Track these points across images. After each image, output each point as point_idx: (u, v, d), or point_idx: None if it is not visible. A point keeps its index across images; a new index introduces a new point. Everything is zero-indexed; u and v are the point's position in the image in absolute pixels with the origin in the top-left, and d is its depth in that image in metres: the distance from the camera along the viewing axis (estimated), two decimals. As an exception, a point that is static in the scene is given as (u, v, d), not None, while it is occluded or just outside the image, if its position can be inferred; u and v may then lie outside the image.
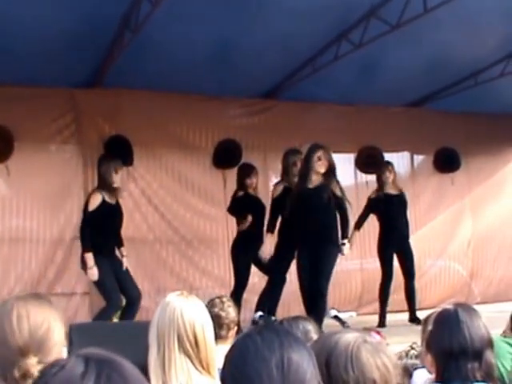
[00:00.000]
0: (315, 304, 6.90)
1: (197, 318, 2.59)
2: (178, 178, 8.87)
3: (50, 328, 1.99)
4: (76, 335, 5.72)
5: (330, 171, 7.12)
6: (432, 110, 9.87)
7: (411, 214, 9.16)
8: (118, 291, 6.93)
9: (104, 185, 7.04)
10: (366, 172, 9.65)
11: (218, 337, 3.51)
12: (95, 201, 6.99)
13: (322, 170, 7.08)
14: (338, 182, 7.21)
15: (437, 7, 6.29)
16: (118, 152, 8.38)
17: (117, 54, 7.07)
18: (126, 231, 7.88)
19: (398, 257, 8.31)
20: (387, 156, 9.80)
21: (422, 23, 6.62)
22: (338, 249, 7.14)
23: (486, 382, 2.60)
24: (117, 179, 7.10)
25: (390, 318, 8.38)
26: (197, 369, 2.52)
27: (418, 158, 10.41)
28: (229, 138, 8.98)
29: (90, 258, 6.80)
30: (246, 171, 8.03)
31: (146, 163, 8.69)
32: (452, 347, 2.62)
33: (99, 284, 6.96)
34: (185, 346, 2.52)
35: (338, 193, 7.14)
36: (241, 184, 7.97)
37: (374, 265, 8.46)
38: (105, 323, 6.37)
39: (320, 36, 7.39)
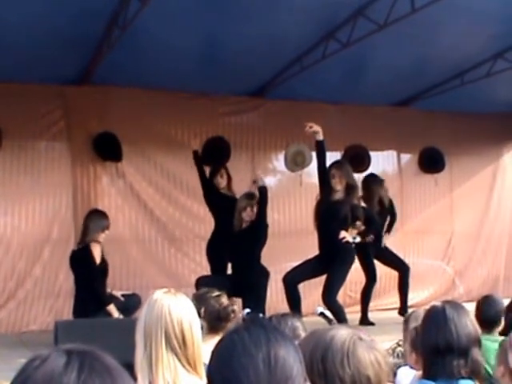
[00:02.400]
0: (334, 315, 7.04)
1: (184, 316, 2.57)
2: (166, 176, 8.86)
3: None
4: (62, 332, 5.74)
5: (348, 188, 7.21)
6: (418, 110, 9.92)
7: (398, 213, 9.21)
8: None
9: (91, 240, 6.82)
10: (353, 170, 9.66)
11: (219, 329, 3.53)
12: (98, 252, 6.79)
13: (337, 187, 7.21)
14: (358, 199, 7.40)
15: (424, 7, 6.32)
16: (106, 148, 8.39)
17: (106, 52, 7.06)
18: (114, 228, 7.88)
19: (380, 260, 8.41)
20: (374, 155, 9.86)
21: (409, 23, 6.65)
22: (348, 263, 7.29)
23: (471, 379, 2.62)
24: (102, 238, 6.91)
25: (376, 315, 8.44)
26: (184, 367, 2.50)
27: (405, 157, 10.46)
28: (217, 135, 8.98)
29: (113, 309, 6.68)
30: (210, 173, 7.97)
31: (135, 160, 8.67)
32: (438, 344, 2.64)
33: None
34: (172, 343, 2.51)
35: (363, 204, 7.41)
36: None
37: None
38: (90, 320, 6.35)
39: (308, 35, 7.41)
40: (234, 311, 3.77)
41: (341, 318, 7.04)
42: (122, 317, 6.65)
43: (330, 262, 7.15)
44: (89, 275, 6.73)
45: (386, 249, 8.50)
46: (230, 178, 7.98)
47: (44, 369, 1.11)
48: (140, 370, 2.50)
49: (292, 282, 7.27)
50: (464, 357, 2.61)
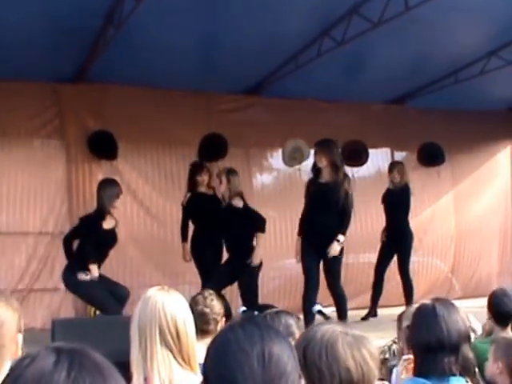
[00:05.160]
0: (338, 303, 7.09)
1: (178, 312, 2.60)
2: (163, 173, 8.87)
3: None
4: (59, 330, 5.74)
5: (333, 166, 7.09)
6: (413, 108, 9.94)
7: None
8: (111, 298, 6.83)
9: (105, 212, 6.99)
10: (350, 165, 9.68)
11: (206, 332, 3.53)
12: (111, 223, 7.01)
13: (320, 164, 7.11)
14: (348, 180, 7.20)
15: (418, 5, 6.34)
16: (101, 146, 8.38)
17: (101, 50, 7.07)
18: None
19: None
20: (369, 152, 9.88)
21: (403, 21, 6.67)
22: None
23: (462, 375, 2.64)
24: (118, 203, 7.16)
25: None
26: (178, 362, 2.52)
27: (399, 155, 10.47)
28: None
29: (95, 268, 6.77)
30: (195, 169, 7.92)
31: (131, 158, 8.67)
32: (429, 341, 2.64)
33: (90, 298, 6.95)
34: (166, 339, 2.53)
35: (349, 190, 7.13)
36: (192, 183, 7.87)
37: (357, 260, 8.53)
38: (87, 318, 6.36)
39: (303, 33, 7.41)
40: (203, 313, 3.74)
41: (343, 307, 7.06)
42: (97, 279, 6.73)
43: (324, 252, 7.03)
44: (87, 232, 6.92)
45: None
46: (210, 175, 7.96)
47: (34, 367, 1.11)
48: (135, 365, 2.52)
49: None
50: (455, 353, 2.61)
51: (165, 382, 2.48)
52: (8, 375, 1.13)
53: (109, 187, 7.15)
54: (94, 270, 6.76)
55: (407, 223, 8.49)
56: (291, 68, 8.10)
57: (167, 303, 2.60)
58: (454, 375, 2.60)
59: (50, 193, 8.27)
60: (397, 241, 8.41)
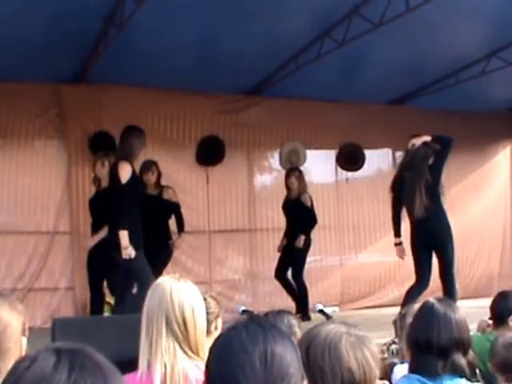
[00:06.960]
0: None
1: (186, 299, 2.50)
2: (163, 174, 8.85)
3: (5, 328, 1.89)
4: (59, 330, 5.73)
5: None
6: (413, 108, 9.94)
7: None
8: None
9: (131, 156, 6.26)
10: (347, 169, 9.72)
11: None
12: (127, 171, 6.09)
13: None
14: None
15: (419, 6, 6.34)
16: (102, 148, 8.37)
17: (102, 50, 7.07)
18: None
19: None
20: (369, 152, 9.88)
21: (404, 22, 6.67)
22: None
23: (462, 376, 2.60)
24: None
25: (373, 312, 8.46)
26: (185, 352, 2.44)
27: (400, 155, 10.47)
28: (212, 134, 8.99)
29: (125, 236, 5.92)
30: (142, 168, 7.67)
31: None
32: (419, 339, 2.60)
33: (136, 271, 6.05)
34: (173, 327, 2.44)
35: None
36: (142, 183, 7.54)
37: (356, 261, 8.53)
38: (88, 317, 6.34)
39: (303, 34, 7.42)
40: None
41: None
42: (133, 251, 5.96)
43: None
44: (115, 194, 6.11)
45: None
46: (159, 174, 7.84)
47: (34, 369, 1.10)
48: (141, 354, 2.45)
49: None
50: (443, 358, 2.52)
51: (167, 370, 2.40)
52: (8, 377, 1.12)
53: (134, 134, 6.38)
54: (124, 238, 5.93)
55: (299, 234, 8.23)
56: (292, 68, 8.11)
57: (175, 290, 2.51)
58: (450, 375, 2.56)
59: (50, 193, 8.28)
60: (290, 249, 8.29)
